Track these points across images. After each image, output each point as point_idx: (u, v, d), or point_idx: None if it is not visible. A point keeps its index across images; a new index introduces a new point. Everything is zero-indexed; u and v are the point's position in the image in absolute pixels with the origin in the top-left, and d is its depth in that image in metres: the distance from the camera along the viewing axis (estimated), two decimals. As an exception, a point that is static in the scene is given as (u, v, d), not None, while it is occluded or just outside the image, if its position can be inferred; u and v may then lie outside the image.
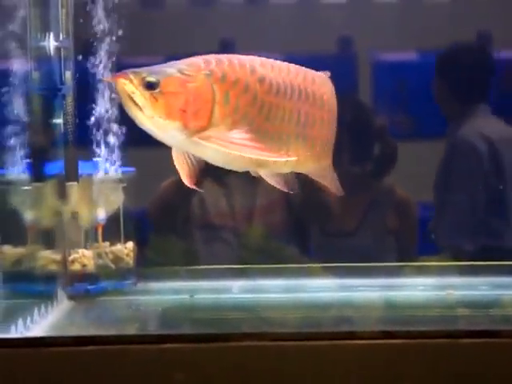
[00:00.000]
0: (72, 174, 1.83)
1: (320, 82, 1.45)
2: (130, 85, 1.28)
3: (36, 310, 1.62)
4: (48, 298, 1.73)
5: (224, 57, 1.37)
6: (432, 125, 2.39)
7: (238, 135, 1.34)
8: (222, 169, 2.21)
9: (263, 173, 1.43)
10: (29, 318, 1.57)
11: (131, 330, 1.69)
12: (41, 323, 1.61)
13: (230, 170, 2.21)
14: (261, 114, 1.36)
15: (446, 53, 2.30)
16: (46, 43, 1.77)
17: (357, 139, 2.24)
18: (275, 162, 1.39)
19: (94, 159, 1.84)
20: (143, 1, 2.38)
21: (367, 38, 2.34)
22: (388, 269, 1.99)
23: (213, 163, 1.39)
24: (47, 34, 1.77)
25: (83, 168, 1.85)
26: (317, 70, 1.45)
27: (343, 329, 1.56)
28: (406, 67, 2.43)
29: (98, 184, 1.85)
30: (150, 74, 1.30)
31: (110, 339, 1.49)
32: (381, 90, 2.40)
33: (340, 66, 2.38)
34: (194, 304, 1.83)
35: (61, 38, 1.80)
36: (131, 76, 1.29)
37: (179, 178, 2.21)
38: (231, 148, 1.34)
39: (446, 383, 1.44)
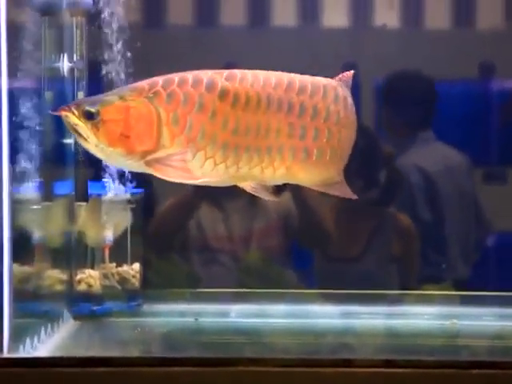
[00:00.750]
0: (81, 194, 1.84)
1: (314, 90, 1.41)
2: (72, 117, 1.33)
3: (43, 330, 1.63)
4: (54, 317, 1.73)
5: (178, 75, 1.37)
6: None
7: (178, 157, 1.34)
8: (219, 192, 2.24)
9: (249, 185, 1.41)
10: (36, 338, 1.58)
11: (136, 351, 1.69)
12: (47, 343, 1.62)
13: (228, 193, 2.26)
14: (225, 128, 1.35)
15: (389, 80, 2.31)
16: (60, 64, 1.78)
17: (364, 166, 2.25)
18: (262, 174, 1.38)
19: (104, 180, 1.85)
20: (147, 22, 2.39)
21: (370, 63, 2.35)
22: (391, 296, 2.00)
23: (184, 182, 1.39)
24: (61, 55, 1.79)
25: (93, 188, 1.85)
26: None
27: (344, 356, 1.55)
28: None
29: (106, 204, 1.85)
30: (90, 104, 1.33)
31: (116, 361, 1.50)
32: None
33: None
34: (199, 327, 1.83)
35: (75, 59, 1.82)
36: (73, 108, 1.33)
37: (177, 201, 2.25)
38: (164, 172, 1.35)
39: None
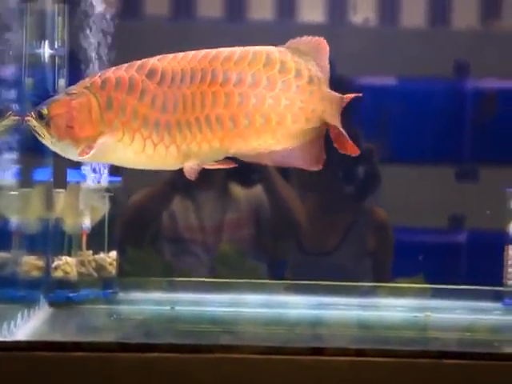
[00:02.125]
0: (60, 181, 1.84)
1: (241, 57, 1.38)
2: (31, 120, 1.40)
3: (19, 316, 1.62)
4: (30, 303, 1.73)
5: (121, 66, 1.41)
6: (409, 150, 2.41)
7: (101, 140, 1.38)
8: (192, 184, 2.23)
9: (194, 165, 1.41)
10: (12, 323, 1.57)
11: (111, 338, 1.68)
12: (23, 328, 1.61)
13: (201, 185, 2.26)
14: (154, 107, 1.37)
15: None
16: (41, 50, 1.78)
17: (342, 161, 2.26)
18: (200, 149, 1.38)
19: (82, 167, 1.84)
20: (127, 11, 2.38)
21: (347, 62, 2.36)
22: (364, 289, 2.02)
23: (135, 167, 1.43)
24: (43, 42, 1.78)
25: (71, 175, 1.85)
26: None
27: (316, 345, 1.56)
28: (386, 93, 2.45)
29: (84, 192, 1.85)
30: (43, 105, 1.40)
31: (92, 346, 1.50)
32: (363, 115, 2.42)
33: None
34: (175, 315, 1.83)
35: (56, 46, 1.81)
36: (31, 112, 1.40)
37: (149, 191, 2.25)
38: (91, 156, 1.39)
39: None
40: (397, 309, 1.92)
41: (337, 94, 1.40)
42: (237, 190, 2.29)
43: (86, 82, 1.40)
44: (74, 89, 1.40)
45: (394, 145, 2.36)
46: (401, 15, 2.40)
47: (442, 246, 2.36)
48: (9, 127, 1.64)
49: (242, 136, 1.38)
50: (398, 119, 2.36)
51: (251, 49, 1.39)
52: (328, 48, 1.41)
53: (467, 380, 1.49)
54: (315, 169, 1.42)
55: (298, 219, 2.30)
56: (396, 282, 2.08)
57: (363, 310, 1.91)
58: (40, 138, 1.41)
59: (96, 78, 1.40)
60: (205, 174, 2.21)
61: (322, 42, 1.41)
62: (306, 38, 1.41)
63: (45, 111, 1.39)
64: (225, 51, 1.39)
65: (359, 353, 1.50)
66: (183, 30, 2.38)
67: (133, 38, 2.04)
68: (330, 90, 1.40)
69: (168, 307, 1.85)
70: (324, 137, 1.42)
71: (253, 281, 2.04)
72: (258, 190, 2.28)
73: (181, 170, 2.17)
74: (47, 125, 1.39)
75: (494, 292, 2.00)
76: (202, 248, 2.28)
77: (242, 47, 1.40)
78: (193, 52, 1.40)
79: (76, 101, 1.38)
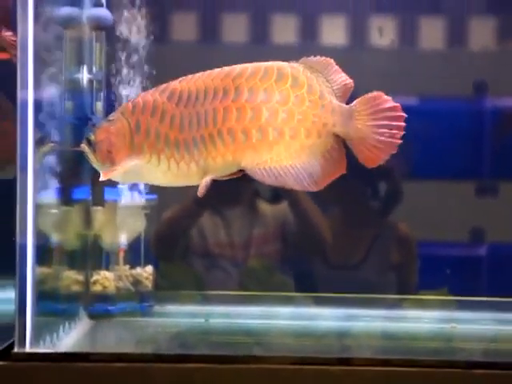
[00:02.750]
0: (98, 199, 1.90)
1: (253, 73, 1.41)
2: (84, 146, 1.45)
3: (61, 328, 1.68)
4: (71, 316, 1.79)
5: (150, 90, 1.46)
6: (428, 167, 2.45)
7: (132, 163, 1.43)
8: (221, 200, 2.28)
9: (207, 180, 1.43)
10: (55, 335, 1.64)
11: (148, 349, 1.74)
12: (65, 340, 1.67)
13: (229, 202, 2.31)
14: (173, 127, 1.41)
15: None
16: (79, 75, 1.84)
17: (365, 177, 2.30)
18: (215, 164, 1.42)
19: (120, 186, 1.90)
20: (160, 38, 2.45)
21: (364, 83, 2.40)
22: (390, 301, 2.06)
23: (166, 185, 1.47)
24: (81, 67, 1.85)
25: (109, 194, 1.91)
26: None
27: (344, 355, 1.61)
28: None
29: (121, 210, 1.91)
30: (91, 131, 1.45)
31: (131, 357, 1.55)
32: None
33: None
34: (210, 327, 1.88)
35: (94, 70, 1.88)
36: (84, 141, 1.45)
37: (179, 209, 2.30)
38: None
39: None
40: (423, 320, 1.96)
41: (346, 106, 1.42)
42: (263, 206, 2.35)
43: (122, 107, 1.46)
44: (113, 115, 1.46)
45: (416, 162, 2.41)
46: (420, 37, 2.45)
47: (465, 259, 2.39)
48: (47, 153, 1.70)
49: (254, 148, 1.41)
50: (420, 137, 2.40)
51: (263, 64, 1.43)
52: (336, 65, 1.43)
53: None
54: (339, 175, 1.43)
55: (322, 234, 2.35)
56: (421, 295, 2.13)
57: (389, 322, 1.95)
58: (92, 164, 1.46)
59: (129, 103, 1.45)
60: (233, 192, 2.29)
61: (330, 60, 1.44)
62: (315, 57, 1.44)
63: (92, 138, 1.44)
64: (237, 68, 1.43)
65: (386, 363, 1.55)
66: (211, 53, 2.44)
67: (166, 62, 2.10)
68: (339, 103, 1.42)
69: (202, 319, 1.91)
70: (342, 146, 1.43)
71: (282, 294, 2.09)
72: (283, 206, 2.33)
73: (210, 188, 2.25)
74: (94, 150, 1.44)
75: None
76: (232, 263, 2.34)
77: (254, 63, 1.43)
78: (209, 71, 1.44)
79: (113, 126, 1.43)
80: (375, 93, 1.42)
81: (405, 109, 2.57)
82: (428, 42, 2.43)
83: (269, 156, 1.41)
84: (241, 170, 1.44)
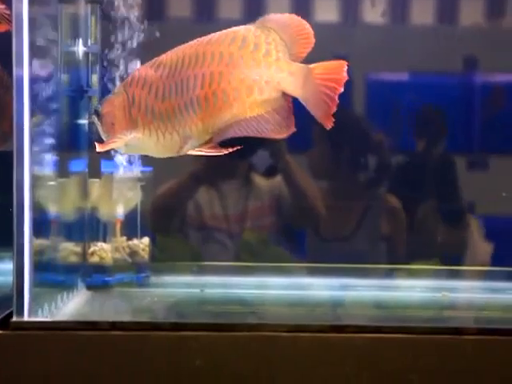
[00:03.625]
0: (94, 172, 1.90)
1: (224, 38, 1.42)
2: (94, 117, 1.48)
3: (59, 298, 1.70)
4: (69, 287, 1.80)
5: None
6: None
7: (130, 136, 1.45)
8: (216, 174, 2.28)
9: (190, 148, 1.46)
10: (53, 305, 1.65)
11: (145, 318, 1.75)
12: (63, 309, 1.69)
13: (224, 175, 2.32)
14: (157, 97, 1.42)
15: None
16: (75, 48, 1.84)
17: (356, 151, 2.31)
18: (192, 132, 1.43)
19: (116, 158, 1.91)
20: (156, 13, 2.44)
21: (361, 59, 2.40)
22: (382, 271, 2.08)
23: (161, 156, 1.49)
24: (77, 40, 1.84)
25: (105, 166, 1.92)
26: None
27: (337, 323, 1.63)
28: (399, 88, 2.49)
29: (118, 182, 1.92)
30: (99, 103, 1.49)
31: (128, 325, 1.57)
32: (374, 109, 2.46)
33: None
34: (205, 297, 1.89)
35: (89, 43, 1.88)
36: (93, 112, 1.48)
37: (175, 182, 2.31)
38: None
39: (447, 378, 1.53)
40: (415, 289, 1.98)
41: (300, 64, 1.42)
42: (258, 179, 2.36)
43: (124, 80, 1.47)
44: (117, 88, 1.47)
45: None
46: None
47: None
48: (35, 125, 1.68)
49: (215, 113, 1.42)
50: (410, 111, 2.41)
51: (227, 30, 1.43)
52: (299, 23, 1.43)
53: (486, 355, 1.54)
54: (285, 134, 1.44)
55: (316, 206, 2.36)
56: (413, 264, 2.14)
57: (382, 291, 1.97)
58: (100, 135, 1.47)
59: (129, 76, 1.46)
60: (228, 165, 2.29)
61: (291, 17, 1.44)
62: (275, 15, 1.43)
63: (99, 109, 1.46)
64: (211, 35, 1.43)
65: (378, 330, 1.56)
66: (204, 30, 2.43)
67: (160, 36, 2.10)
68: (289, 62, 1.41)
69: (198, 290, 1.92)
70: (289, 105, 1.43)
71: (275, 264, 2.11)
72: (278, 179, 2.34)
73: (205, 162, 2.26)
74: (101, 122, 1.46)
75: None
76: (227, 235, 2.35)
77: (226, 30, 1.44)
78: (191, 42, 1.45)
79: (116, 99, 1.45)
80: (339, 61, 1.43)
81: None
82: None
83: (227, 118, 1.43)
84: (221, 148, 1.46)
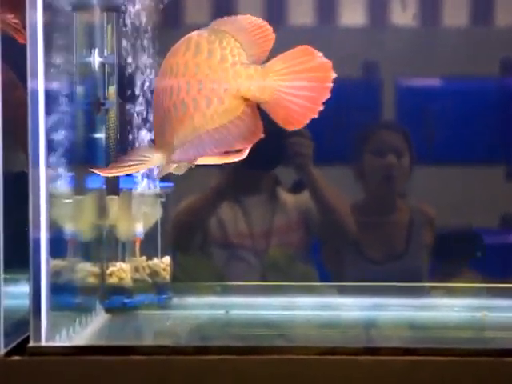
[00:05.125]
0: (112, 188, 1.92)
1: (180, 46, 1.38)
2: None
3: (77, 322, 1.70)
4: (87, 310, 1.81)
5: None
6: (456, 150, 2.45)
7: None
8: (239, 189, 2.30)
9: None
10: (71, 329, 1.65)
11: (167, 342, 1.75)
12: (81, 334, 1.69)
13: (249, 191, 2.33)
14: (157, 107, 1.41)
15: None
16: (91, 59, 1.86)
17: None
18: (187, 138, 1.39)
19: (134, 174, 1.92)
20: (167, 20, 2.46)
21: (391, 63, 2.40)
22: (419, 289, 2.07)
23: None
24: (92, 50, 1.86)
25: (124, 182, 1.93)
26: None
27: (368, 345, 1.64)
28: (430, 93, 2.49)
29: (137, 198, 1.93)
30: None
31: (149, 350, 1.57)
32: (404, 115, 2.46)
33: (365, 91, 2.45)
34: (230, 319, 1.90)
35: (105, 53, 1.89)
36: None
37: (198, 198, 2.33)
38: None
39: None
40: (453, 309, 1.97)
41: (257, 66, 1.35)
42: (284, 195, 2.37)
43: None
44: None
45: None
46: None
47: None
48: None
49: (177, 126, 1.38)
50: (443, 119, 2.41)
51: (183, 38, 1.39)
52: (255, 22, 1.37)
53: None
54: (252, 142, 1.38)
55: (345, 222, 2.36)
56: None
57: (418, 311, 1.96)
58: None
59: None
60: (253, 181, 2.30)
61: (245, 17, 1.39)
62: (229, 17, 1.39)
63: None
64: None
65: (414, 352, 1.56)
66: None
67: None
68: (247, 64, 1.35)
69: (222, 311, 1.92)
70: (254, 110, 1.35)
71: (304, 284, 2.11)
72: (305, 195, 2.35)
73: (229, 177, 2.27)
74: None
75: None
76: (252, 253, 2.35)
77: None
78: None
79: None
80: (298, 48, 1.34)
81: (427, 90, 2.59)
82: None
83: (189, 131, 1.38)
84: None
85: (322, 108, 1.31)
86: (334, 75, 1.32)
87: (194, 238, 2.36)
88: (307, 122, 1.33)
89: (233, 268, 2.36)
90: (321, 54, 1.32)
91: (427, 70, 2.41)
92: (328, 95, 1.31)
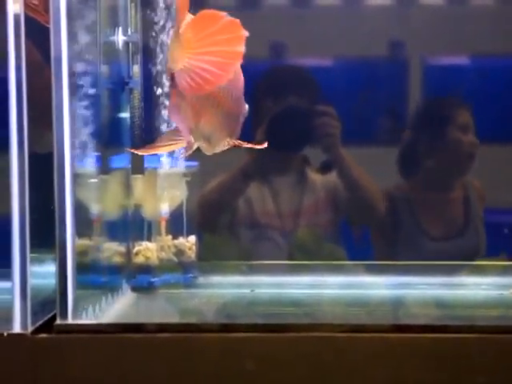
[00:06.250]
0: (138, 167, 1.96)
1: None
2: None
3: (103, 300, 1.75)
4: (113, 289, 1.85)
5: None
6: (486, 129, 2.46)
7: None
8: (267, 168, 2.32)
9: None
10: (97, 307, 1.70)
11: (193, 319, 1.79)
12: (108, 312, 1.74)
13: (277, 170, 2.36)
14: None
15: None
16: (114, 38, 1.89)
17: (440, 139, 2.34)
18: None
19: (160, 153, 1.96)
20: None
21: (418, 42, 2.41)
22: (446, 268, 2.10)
23: None
24: (116, 29, 1.89)
25: (149, 161, 1.97)
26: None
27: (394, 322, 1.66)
28: (457, 72, 2.50)
29: (162, 177, 1.96)
30: None
31: (176, 327, 1.61)
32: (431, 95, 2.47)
33: (391, 70, 2.46)
34: (256, 298, 1.93)
35: (129, 32, 1.92)
36: None
37: (226, 177, 2.36)
38: None
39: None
40: (481, 287, 1.99)
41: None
42: (313, 175, 2.40)
43: None
44: None
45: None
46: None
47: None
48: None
49: None
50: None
51: None
52: None
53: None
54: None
55: (374, 202, 2.38)
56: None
57: (445, 289, 1.99)
58: None
59: None
60: (281, 161, 2.33)
61: None
62: None
63: None
64: None
65: (443, 329, 1.58)
66: (250, 18, 2.46)
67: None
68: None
69: (248, 290, 1.96)
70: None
71: (331, 262, 2.14)
72: (334, 175, 2.38)
73: (257, 157, 2.30)
74: None
75: None
76: (280, 233, 2.39)
77: None
78: None
79: None
80: (203, 12, 1.31)
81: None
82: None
83: None
84: None
85: (230, 74, 1.33)
86: (245, 34, 1.30)
87: (222, 217, 2.39)
88: (217, 87, 1.34)
89: (261, 248, 2.39)
90: (225, 14, 1.29)
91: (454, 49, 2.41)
92: (239, 59, 1.31)
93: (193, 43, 1.32)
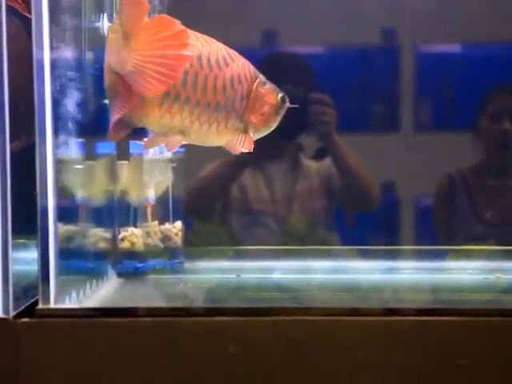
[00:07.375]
0: (123, 153, 1.98)
1: None
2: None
3: (88, 286, 1.78)
4: (98, 274, 1.88)
5: None
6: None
7: None
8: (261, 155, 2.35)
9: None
10: (81, 293, 1.73)
11: (179, 304, 1.81)
12: (92, 297, 1.77)
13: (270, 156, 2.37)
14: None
15: None
16: (99, 24, 1.91)
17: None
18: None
19: (145, 139, 1.97)
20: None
21: (410, 29, 2.42)
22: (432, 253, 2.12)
23: None
24: (101, 15, 1.91)
25: (134, 148, 1.99)
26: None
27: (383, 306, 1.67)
28: (450, 59, 2.50)
29: (147, 163, 1.99)
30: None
31: (161, 311, 1.64)
32: (424, 82, 2.48)
33: (383, 57, 2.48)
34: (241, 283, 1.96)
35: (114, 18, 1.93)
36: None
37: (220, 163, 2.38)
38: None
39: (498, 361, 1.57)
40: (467, 271, 2.02)
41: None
42: (307, 162, 2.42)
43: None
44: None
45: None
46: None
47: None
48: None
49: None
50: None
51: None
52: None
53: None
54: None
55: (368, 189, 2.41)
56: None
57: (432, 274, 2.01)
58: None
59: None
60: (275, 147, 2.35)
61: None
62: None
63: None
64: None
65: (428, 313, 1.61)
66: (244, 5, 2.48)
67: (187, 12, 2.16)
68: (111, 37, 1.50)
69: (234, 275, 1.98)
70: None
71: (319, 247, 2.16)
72: (327, 162, 2.40)
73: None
74: None
75: None
76: (273, 219, 2.41)
77: None
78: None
79: None
80: (156, 17, 1.45)
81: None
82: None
83: None
84: None
85: (179, 75, 1.44)
86: (190, 42, 1.43)
87: (216, 203, 2.42)
88: (165, 89, 1.45)
89: (254, 234, 2.42)
90: (178, 22, 1.43)
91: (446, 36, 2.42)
92: (186, 62, 1.44)
93: (143, 45, 1.44)
